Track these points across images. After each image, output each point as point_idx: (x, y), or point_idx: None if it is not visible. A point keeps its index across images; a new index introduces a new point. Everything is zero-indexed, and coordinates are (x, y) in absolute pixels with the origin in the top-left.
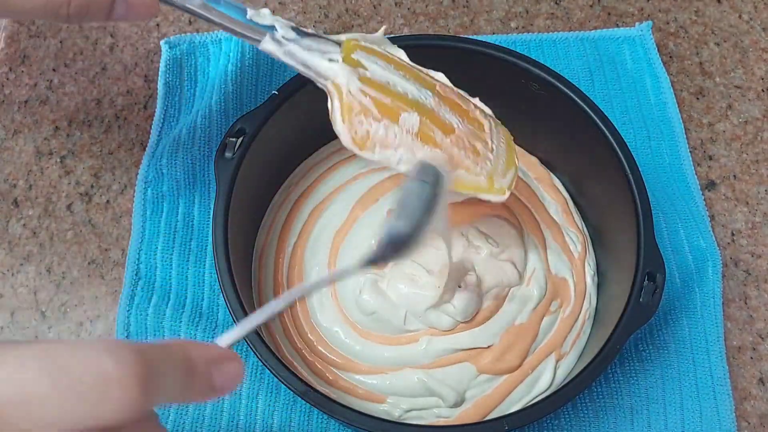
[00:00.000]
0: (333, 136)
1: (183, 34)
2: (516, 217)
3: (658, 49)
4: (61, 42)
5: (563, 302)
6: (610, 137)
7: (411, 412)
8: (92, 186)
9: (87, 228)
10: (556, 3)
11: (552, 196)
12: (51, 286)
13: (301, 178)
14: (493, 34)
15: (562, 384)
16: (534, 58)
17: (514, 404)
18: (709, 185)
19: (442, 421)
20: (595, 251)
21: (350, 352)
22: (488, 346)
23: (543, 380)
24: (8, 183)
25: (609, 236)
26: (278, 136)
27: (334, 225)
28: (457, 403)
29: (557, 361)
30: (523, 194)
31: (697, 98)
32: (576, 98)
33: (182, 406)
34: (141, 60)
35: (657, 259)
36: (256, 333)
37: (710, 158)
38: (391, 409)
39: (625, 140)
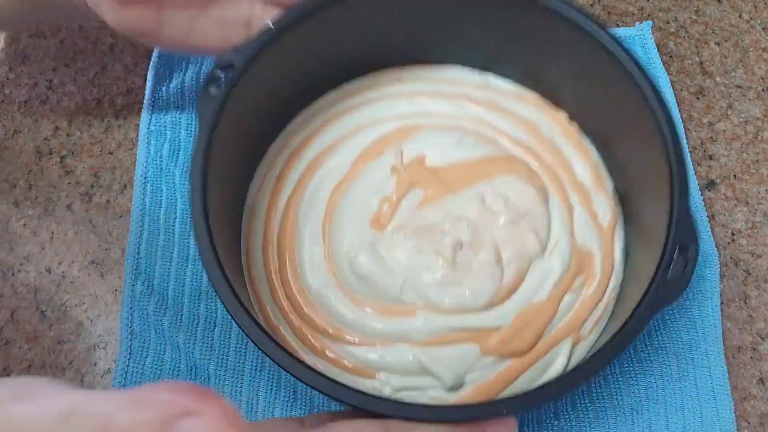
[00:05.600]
0: (338, 83)
1: None
2: (539, 177)
3: (658, 49)
4: (61, 42)
5: (587, 279)
6: (646, 87)
7: (403, 391)
8: (92, 186)
9: (87, 228)
10: None
11: (580, 155)
12: (51, 286)
13: (301, 126)
14: None
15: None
16: None
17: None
18: (709, 185)
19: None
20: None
21: (340, 319)
22: (497, 326)
23: (555, 366)
24: (8, 183)
25: (637, 204)
26: (275, 75)
27: (333, 178)
28: (455, 386)
29: (573, 345)
30: (548, 151)
31: (697, 98)
32: (608, 45)
33: None
34: (141, 60)
35: (690, 229)
36: (238, 301)
37: (710, 158)
38: (381, 386)
39: None
